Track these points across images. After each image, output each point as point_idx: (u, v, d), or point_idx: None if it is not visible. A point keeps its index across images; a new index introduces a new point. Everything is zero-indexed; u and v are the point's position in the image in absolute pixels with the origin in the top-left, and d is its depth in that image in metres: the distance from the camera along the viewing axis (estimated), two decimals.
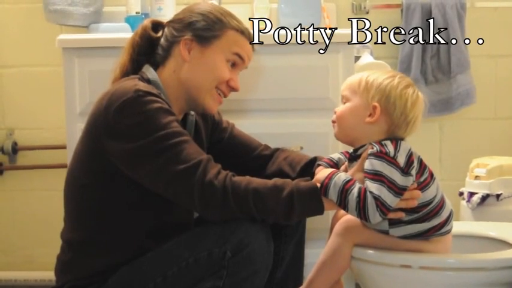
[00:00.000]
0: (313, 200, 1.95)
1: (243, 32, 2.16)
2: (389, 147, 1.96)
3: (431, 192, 2.02)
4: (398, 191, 1.94)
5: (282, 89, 2.66)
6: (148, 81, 2.10)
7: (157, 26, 2.21)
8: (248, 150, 2.38)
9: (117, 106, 1.96)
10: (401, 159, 1.95)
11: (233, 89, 2.19)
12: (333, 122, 2.09)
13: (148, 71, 2.14)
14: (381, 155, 1.95)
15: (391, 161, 1.94)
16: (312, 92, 2.63)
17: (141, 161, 1.96)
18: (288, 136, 2.63)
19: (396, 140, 1.99)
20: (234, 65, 2.17)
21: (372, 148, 1.98)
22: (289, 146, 2.52)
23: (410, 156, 1.97)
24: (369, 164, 1.96)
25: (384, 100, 2.00)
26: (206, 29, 2.12)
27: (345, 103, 2.07)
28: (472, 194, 2.99)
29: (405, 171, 1.95)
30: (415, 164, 1.98)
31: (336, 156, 2.19)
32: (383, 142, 1.98)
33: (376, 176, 1.94)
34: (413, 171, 1.97)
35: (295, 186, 1.95)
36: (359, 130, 2.04)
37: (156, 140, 1.94)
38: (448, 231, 2.07)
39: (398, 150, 1.96)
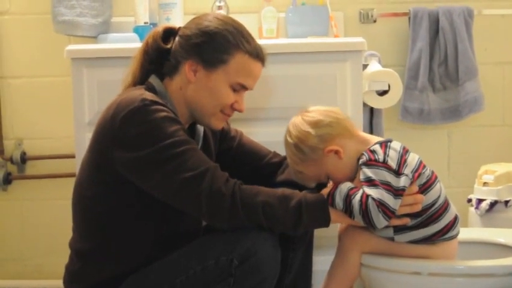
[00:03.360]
0: (321, 211, 1.97)
1: (252, 54, 2.11)
2: (379, 153, 1.99)
3: (434, 194, 2.03)
4: (396, 192, 1.95)
5: (290, 97, 2.66)
6: (154, 91, 2.10)
7: (169, 34, 2.17)
8: (257, 158, 2.38)
9: (123, 115, 1.97)
10: (392, 162, 1.97)
11: (238, 111, 2.17)
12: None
13: (155, 81, 2.13)
14: (370, 163, 1.98)
15: (382, 165, 1.97)
16: (320, 100, 2.61)
17: (148, 170, 1.96)
18: None
19: (386, 143, 2.01)
20: (238, 89, 2.13)
21: (362, 158, 2.00)
22: None
23: (401, 157, 1.99)
24: (362, 173, 1.99)
25: (321, 145, 2.04)
26: (213, 53, 2.08)
27: (324, 177, 2.10)
28: (480, 201, 2.99)
29: (399, 172, 1.97)
30: (410, 162, 2.00)
31: None
32: (372, 148, 2.01)
33: (370, 182, 1.96)
34: (409, 170, 1.98)
35: (304, 197, 1.96)
36: (350, 164, 2.06)
37: (163, 149, 1.94)
38: (454, 237, 2.08)
39: (388, 154, 1.98)
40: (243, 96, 2.16)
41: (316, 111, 2.09)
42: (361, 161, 2.00)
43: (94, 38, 3.09)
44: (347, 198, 1.95)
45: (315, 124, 2.05)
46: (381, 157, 1.97)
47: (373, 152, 1.99)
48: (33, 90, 3.36)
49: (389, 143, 2.02)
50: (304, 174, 2.10)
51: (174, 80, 2.14)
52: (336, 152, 2.03)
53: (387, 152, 1.98)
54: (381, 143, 2.01)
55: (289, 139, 2.09)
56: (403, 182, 1.96)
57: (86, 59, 2.66)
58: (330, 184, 2.11)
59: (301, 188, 2.08)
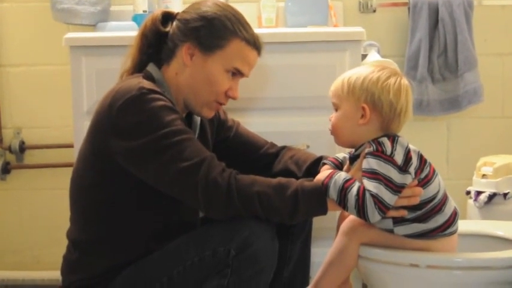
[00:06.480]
0: (318, 199, 1.96)
1: (248, 42, 2.11)
2: (386, 146, 1.96)
3: (434, 188, 2.03)
4: (396, 188, 1.94)
5: (289, 87, 2.66)
6: (152, 79, 2.10)
7: (167, 19, 2.17)
8: (254, 148, 2.38)
9: (120, 104, 1.97)
10: (399, 157, 1.96)
11: (232, 98, 2.17)
12: (330, 131, 2.10)
13: (153, 70, 2.13)
14: (377, 154, 1.96)
15: (388, 159, 1.95)
16: (319, 90, 2.63)
17: (144, 159, 1.96)
18: (295, 134, 2.63)
19: (393, 137, 1.99)
20: (234, 74, 2.14)
21: (369, 147, 1.98)
22: (295, 144, 2.52)
23: (408, 153, 1.97)
24: (366, 163, 1.97)
25: (369, 99, 2.00)
26: (210, 38, 2.09)
27: (336, 110, 2.07)
28: (479, 193, 2.98)
29: (403, 169, 1.95)
30: (414, 160, 1.98)
31: (341, 155, 2.19)
32: (380, 140, 1.98)
33: (373, 175, 1.94)
34: (412, 169, 1.97)
35: (300, 185, 1.95)
36: (356, 133, 2.04)
37: (160, 138, 1.94)
38: (453, 232, 2.07)
39: (395, 148, 1.96)
40: (237, 84, 2.16)
41: (397, 82, 2.01)
42: (367, 150, 1.98)
43: (93, 26, 3.10)
44: (342, 190, 1.94)
45: (380, 82, 1.99)
46: (388, 150, 1.96)
47: (380, 143, 1.97)
48: (31, 79, 3.36)
49: (397, 138, 1.99)
50: (336, 114, 2.07)
51: (170, 65, 2.14)
52: (362, 116, 2.01)
53: (395, 147, 1.96)
54: (388, 136, 1.99)
55: (364, 67, 2.06)
56: (405, 179, 1.95)
57: (85, 47, 2.66)
58: (324, 169, 2.10)
59: (297, 177, 2.07)
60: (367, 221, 1.97)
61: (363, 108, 2.00)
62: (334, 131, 2.08)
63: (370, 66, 2.07)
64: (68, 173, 2.17)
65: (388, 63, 2.94)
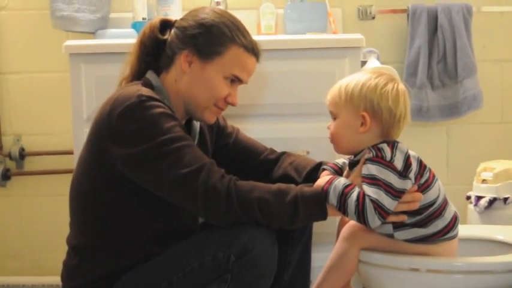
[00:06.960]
0: (317, 205, 1.96)
1: (247, 48, 2.12)
2: (386, 151, 1.96)
3: (434, 193, 2.03)
4: (396, 194, 1.94)
5: (288, 94, 2.66)
6: (151, 86, 2.10)
7: (165, 26, 2.18)
8: (253, 155, 2.38)
9: (120, 111, 1.97)
10: (399, 163, 1.96)
11: (231, 104, 2.17)
12: (330, 139, 2.10)
13: (152, 77, 2.13)
14: (377, 160, 1.96)
15: (388, 164, 1.95)
16: (318, 97, 2.61)
17: (144, 166, 1.96)
18: (295, 141, 2.63)
19: (393, 143, 1.99)
20: (233, 81, 2.14)
21: (369, 153, 1.98)
22: (295, 150, 2.52)
23: (407, 159, 1.97)
24: (366, 168, 1.97)
25: (369, 106, 1.99)
26: (208, 45, 2.09)
27: (334, 118, 2.07)
28: (479, 198, 2.99)
29: (403, 174, 1.95)
30: (414, 166, 1.98)
31: (340, 161, 2.19)
32: (379, 146, 1.98)
33: (373, 180, 1.94)
34: (412, 174, 1.97)
35: (300, 191, 1.96)
36: (355, 141, 2.04)
37: (159, 145, 1.94)
38: (453, 237, 2.08)
39: (395, 154, 1.96)
40: (236, 90, 2.17)
41: (394, 88, 2.01)
42: (367, 155, 1.98)
43: (92, 34, 3.10)
44: (342, 196, 1.94)
45: (379, 88, 1.99)
46: (388, 156, 1.96)
47: (380, 149, 1.97)
48: (31, 86, 3.37)
49: (396, 144, 1.99)
50: (334, 122, 2.07)
51: (169, 73, 2.14)
52: (362, 124, 2.00)
53: (394, 153, 1.96)
54: (388, 143, 2.00)
55: (361, 74, 2.06)
56: (405, 185, 1.95)
57: (84, 55, 2.66)
58: (324, 175, 2.10)
59: (297, 183, 2.07)
60: (367, 226, 1.97)
61: (363, 117, 2.00)
62: (334, 140, 2.08)
63: (366, 72, 2.07)
64: (68, 179, 2.17)
65: (387, 69, 2.95)
